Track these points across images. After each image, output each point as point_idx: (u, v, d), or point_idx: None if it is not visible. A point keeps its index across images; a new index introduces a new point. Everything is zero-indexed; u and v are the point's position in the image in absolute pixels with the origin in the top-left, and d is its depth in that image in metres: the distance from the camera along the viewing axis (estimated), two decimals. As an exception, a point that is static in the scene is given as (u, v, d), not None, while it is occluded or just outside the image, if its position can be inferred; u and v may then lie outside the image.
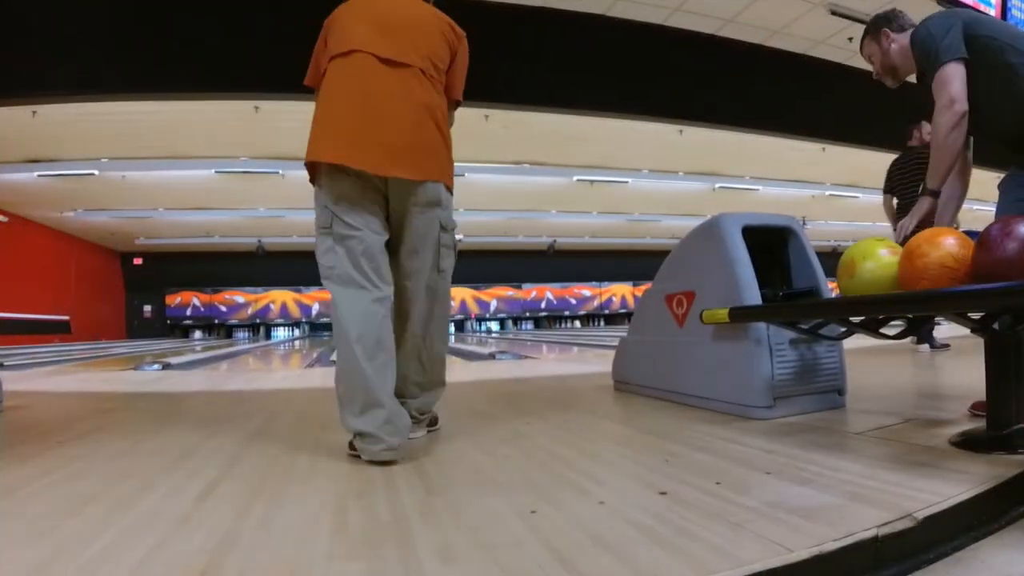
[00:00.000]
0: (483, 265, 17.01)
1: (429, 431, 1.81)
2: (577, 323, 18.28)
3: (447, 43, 1.66)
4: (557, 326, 17.95)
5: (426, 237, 1.58)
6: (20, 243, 10.89)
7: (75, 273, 13.00)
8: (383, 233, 1.54)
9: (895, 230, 1.89)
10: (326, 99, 1.55)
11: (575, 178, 9.71)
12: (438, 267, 1.63)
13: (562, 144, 8.19)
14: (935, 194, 1.77)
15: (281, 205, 11.00)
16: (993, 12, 4.45)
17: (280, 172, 8.73)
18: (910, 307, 1.44)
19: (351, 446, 1.50)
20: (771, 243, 2.19)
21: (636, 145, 8.30)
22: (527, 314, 17.93)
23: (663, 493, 1.12)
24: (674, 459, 1.39)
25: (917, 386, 2.31)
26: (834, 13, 5.44)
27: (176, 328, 15.86)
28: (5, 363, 5.23)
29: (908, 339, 1.66)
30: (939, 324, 4.75)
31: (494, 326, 17.81)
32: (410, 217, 1.55)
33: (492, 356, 6.29)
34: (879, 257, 1.62)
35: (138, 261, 15.46)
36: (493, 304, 17.70)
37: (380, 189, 1.51)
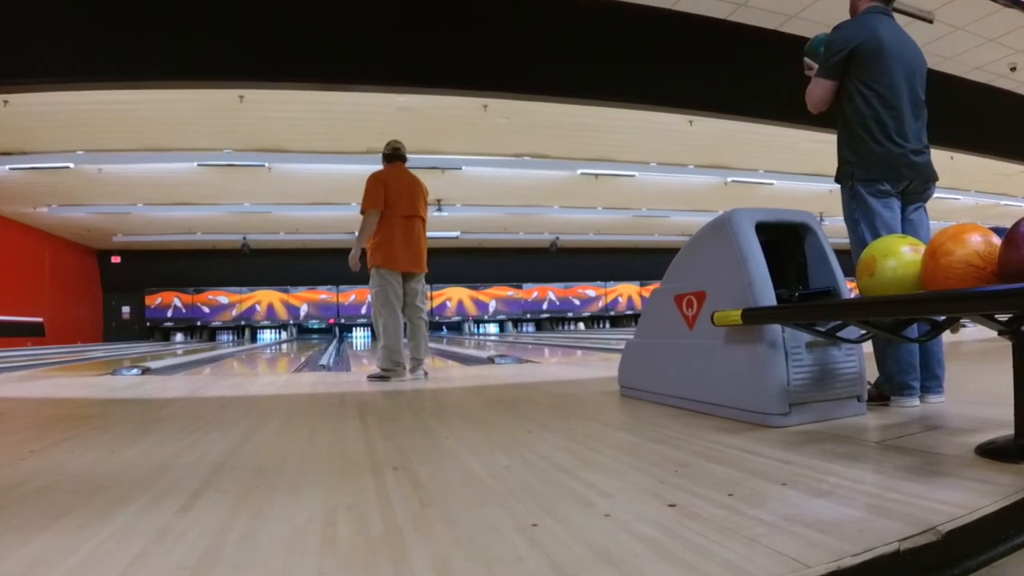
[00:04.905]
0: (481, 264, 17.03)
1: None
2: (581, 325, 18.30)
3: (426, 199, 3.98)
4: (559, 328, 17.96)
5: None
6: (-10, 240, 10.89)
7: (49, 272, 13.00)
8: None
9: None
10: (390, 236, 3.76)
11: (579, 171, 9.71)
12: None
13: (565, 135, 8.19)
14: None
15: (267, 200, 11.01)
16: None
17: (266, 165, 8.73)
18: (934, 308, 1.43)
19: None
20: (786, 240, 2.19)
21: (643, 136, 8.30)
22: (528, 316, 17.94)
23: (672, 505, 1.12)
24: (684, 469, 1.39)
25: (941, 392, 2.31)
26: (854, -4, 5.43)
27: (156, 330, 15.87)
28: (-25, 367, 5.22)
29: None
30: (965, 326, 4.75)
31: (493, 328, 17.81)
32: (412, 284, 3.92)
33: (491, 360, 6.29)
34: (901, 255, 1.62)
35: (116, 259, 15.47)
36: (492, 305, 17.71)
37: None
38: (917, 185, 2.18)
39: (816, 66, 2.27)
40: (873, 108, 2.13)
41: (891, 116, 2.12)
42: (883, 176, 2.12)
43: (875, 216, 2.11)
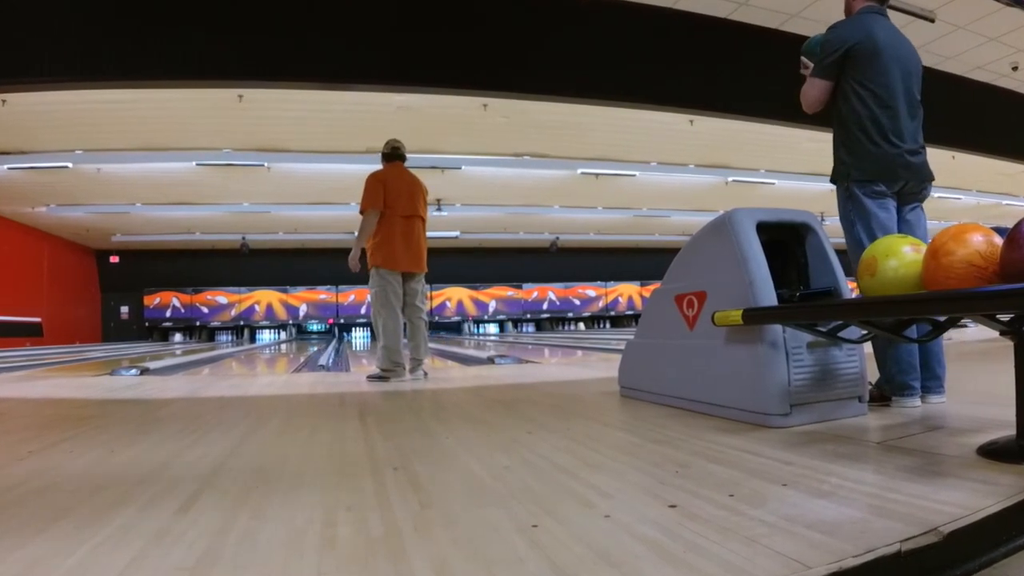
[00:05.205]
0: (481, 264, 17.02)
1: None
2: (581, 325, 18.30)
3: (425, 199, 3.96)
4: (560, 328, 17.95)
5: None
6: (-11, 240, 10.90)
7: (47, 272, 13.00)
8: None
9: None
10: (390, 236, 3.73)
11: (579, 171, 9.71)
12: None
13: (565, 135, 8.18)
14: None
15: (266, 200, 11.00)
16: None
17: (265, 164, 8.72)
18: (935, 308, 1.43)
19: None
20: (787, 240, 2.19)
21: (644, 136, 8.29)
22: (528, 316, 17.94)
23: (673, 506, 1.12)
24: (684, 470, 1.39)
25: (943, 392, 2.31)
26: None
27: (155, 330, 15.87)
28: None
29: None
30: (967, 326, 4.75)
31: (493, 328, 17.81)
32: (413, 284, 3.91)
33: (491, 360, 6.29)
34: (902, 255, 1.62)
35: (115, 259, 15.47)
36: (492, 305, 17.70)
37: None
38: (913, 185, 2.17)
39: (812, 65, 2.27)
40: (869, 108, 2.12)
41: (887, 116, 2.11)
42: (879, 177, 2.12)
43: (871, 217, 2.10)
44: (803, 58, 2.37)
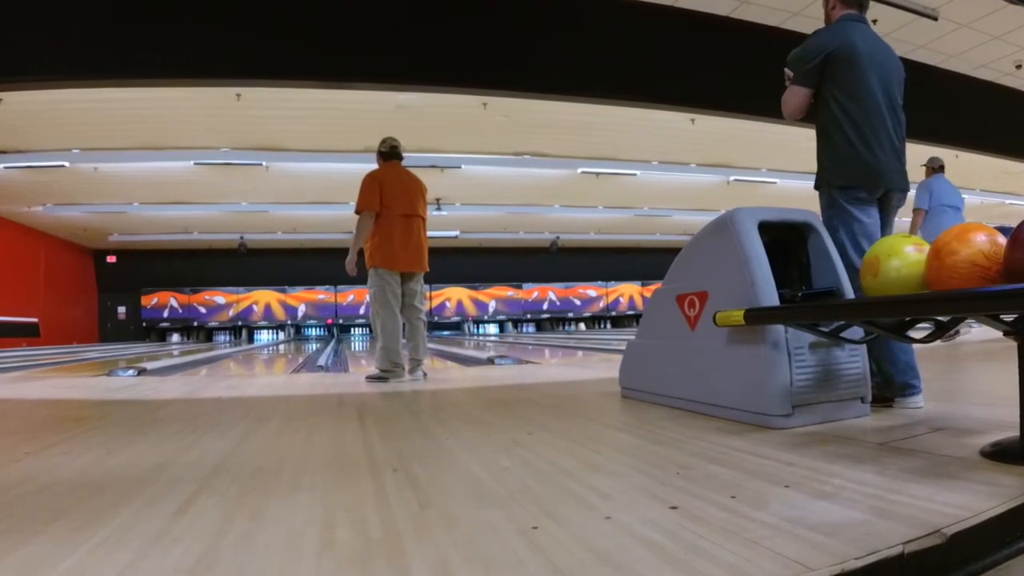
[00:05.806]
0: (481, 264, 17.03)
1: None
2: (582, 325, 18.31)
3: (424, 198, 3.95)
4: (560, 329, 17.95)
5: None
6: (-15, 240, 10.90)
7: (44, 272, 13.01)
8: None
9: None
10: (389, 236, 3.72)
11: (580, 170, 9.71)
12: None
13: (565, 134, 8.19)
14: None
15: (265, 199, 11.01)
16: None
17: (263, 164, 8.73)
18: (938, 308, 1.43)
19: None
20: (790, 240, 2.19)
21: (645, 135, 8.30)
22: (528, 316, 17.95)
23: (674, 508, 1.12)
24: (686, 471, 1.39)
25: (945, 393, 2.31)
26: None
27: (152, 331, 15.87)
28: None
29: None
30: (970, 327, 4.76)
31: (493, 329, 17.81)
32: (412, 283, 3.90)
33: (491, 361, 6.30)
34: (905, 255, 1.62)
35: (112, 259, 15.47)
36: (492, 305, 17.70)
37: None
38: (892, 194, 2.19)
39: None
40: (848, 114, 2.14)
41: (867, 122, 2.13)
42: (859, 183, 2.14)
43: (853, 223, 2.12)
44: (786, 69, 2.38)
